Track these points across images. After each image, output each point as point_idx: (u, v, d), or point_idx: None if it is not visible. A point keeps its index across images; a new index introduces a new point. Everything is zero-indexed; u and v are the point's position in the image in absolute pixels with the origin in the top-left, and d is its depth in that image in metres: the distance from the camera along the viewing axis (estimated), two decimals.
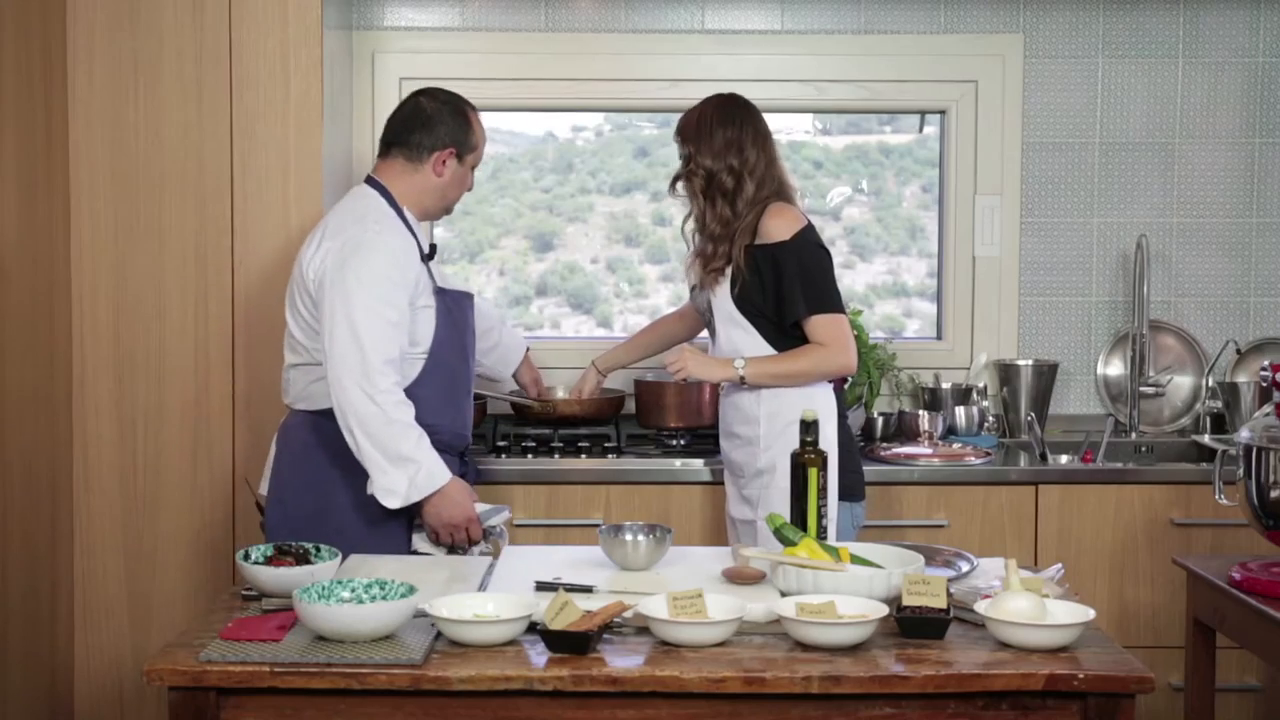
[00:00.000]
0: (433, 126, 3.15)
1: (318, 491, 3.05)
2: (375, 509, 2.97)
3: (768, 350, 3.28)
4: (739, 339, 3.31)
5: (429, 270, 3.12)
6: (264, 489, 3.16)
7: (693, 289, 3.50)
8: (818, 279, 3.25)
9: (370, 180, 3.17)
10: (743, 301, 3.29)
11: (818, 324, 3.24)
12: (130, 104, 3.54)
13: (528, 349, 3.76)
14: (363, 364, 2.93)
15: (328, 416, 3.00)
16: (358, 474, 2.98)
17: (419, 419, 2.98)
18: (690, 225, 3.44)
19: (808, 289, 3.24)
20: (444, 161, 3.15)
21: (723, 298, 3.32)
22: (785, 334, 3.28)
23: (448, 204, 3.25)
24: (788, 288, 3.25)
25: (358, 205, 3.12)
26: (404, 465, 2.93)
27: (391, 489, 2.92)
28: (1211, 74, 4.26)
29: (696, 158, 3.34)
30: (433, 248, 3.19)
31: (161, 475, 3.59)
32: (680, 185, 3.41)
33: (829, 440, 3.24)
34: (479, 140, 3.24)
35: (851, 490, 3.31)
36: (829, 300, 3.26)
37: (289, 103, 3.55)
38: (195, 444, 3.59)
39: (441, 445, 3.04)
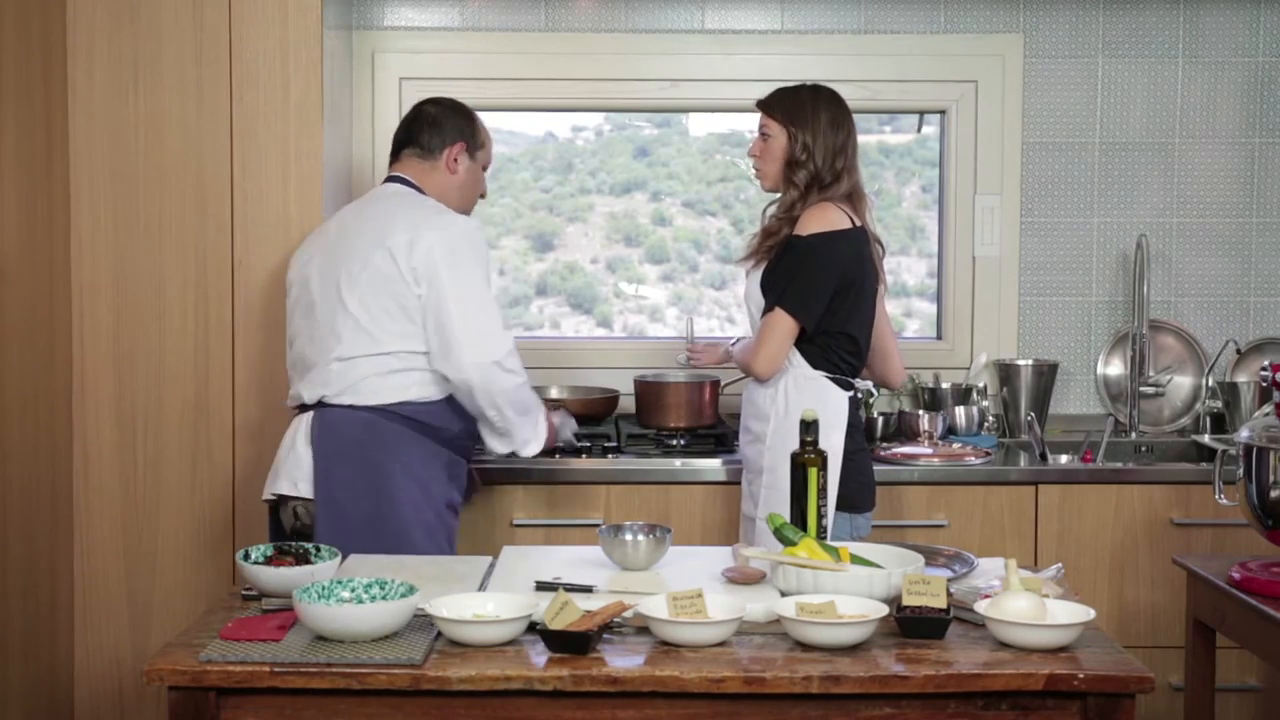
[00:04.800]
0: (439, 126, 3.24)
1: (379, 493, 3.04)
2: (435, 510, 3.08)
3: None
4: (758, 321, 3.35)
5: None
6: (282, 488, 3.11)
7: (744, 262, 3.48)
8: (799, 278, 3.23)
9: (398, 178, 3.25)
10: (764, 287, 3.32)
11: (766, 318, 3.29)
12: (130, 104, 3.54)
13: None
14: (502, 343, 3.08)
15: (383, 414, 3.07)
16: (416, 472, 3.06)
17: (453, 427, 3.14)
18: (773, 209, 3.40)
19: (786, 282, 3.25)
20: (455, 158, 3.24)
21: (754, 278, 3.35)
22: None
23: (467, 206, 3.29)
24: (775, 277, 3.27)
25: (412, 200, 3.19)
26: (532, 413, 3.21)
27: (528, 439, 3.21)
28: (1211, 74, 4.26)
29: (811, 150, 3.32)
30: None
31: (161, 475, 3.59)
32: (754, 165, 3.41)
33: (834, 447, 3.22)
34: (485, 139, 3.32)
35: (853, 501, 3.27)
36: (791, 300, 3.23)
37: (289, 103, 3.55)
38: (195, 444, 3.59)
39: (463, 446, 3.21)
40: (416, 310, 3.06)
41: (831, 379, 3.28)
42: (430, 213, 3.14)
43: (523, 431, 3.19)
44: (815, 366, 3.28)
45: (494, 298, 3.15)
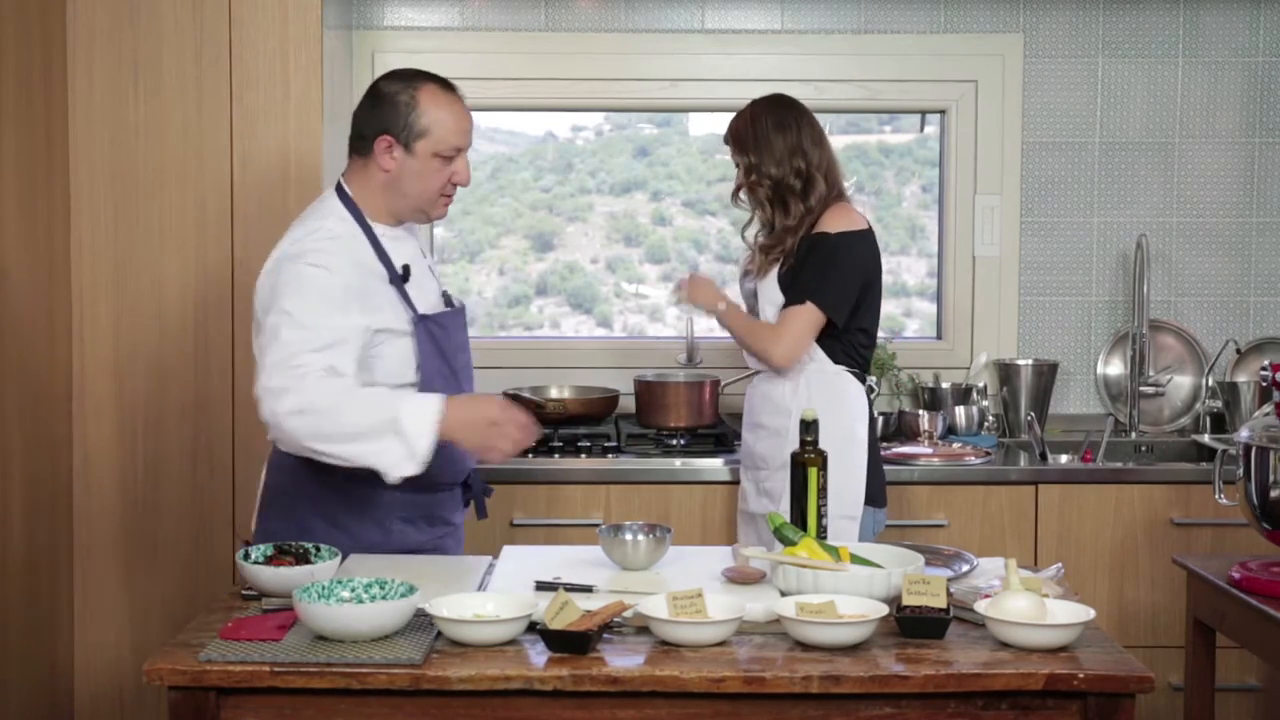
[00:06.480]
0: (370, 112, 2.77)
1: (301, 539, 2.77)
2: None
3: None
4: (773, 316, 3.34)
5: (403, 295, 2.78)
6: (253, 525, 2.95)
7: (742, 276, 3.50)
8: (830, 274, 3.26)
9: (338, 186, 2.84)
10: (784, 285, 3.32)
11: (792, 309, 3.28)
12: (130, 104, 3.54)
13: None
14: (273, 368, 2.59)
15: (308, 462, 2.69)
16: (340, 525, 2.79)
17: None
18: (753, 230, 3.44)
19: (817, 278, 3.26)
20: (386, 152, 2.75)
21: (769, 282, 3.35)
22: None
23: (419, 202, 2.80)
24: (804, 273, 3.27)
25: (305, 225, 2.78)
26: (383, 433, 2.56)
27: (395, 463, 2.57)
28: (1211, 74, 4.26)
29: (760, 168, 3.33)
30: (405, 269, 2.80)
31: (161, 475, 3.59)
32: (743, 195, 3.40)
33: (859, 441, 3.27)
34: (429, 123, 2.74)
35: (873, 495, 3.33)
36: (824, 296, 3.26)
37: (289, 103, 3.55)
38: (195, 444, 3.59)
39: (438, 485, 2.83)
40: None
41: (851, 373, 3.32)
42: (286, 249, 2.74)
43: (380, 459, 2.58)
44: (836, 361, 3.32)
45: (303, 321, 2.62)
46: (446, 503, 2.92)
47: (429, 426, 2.57)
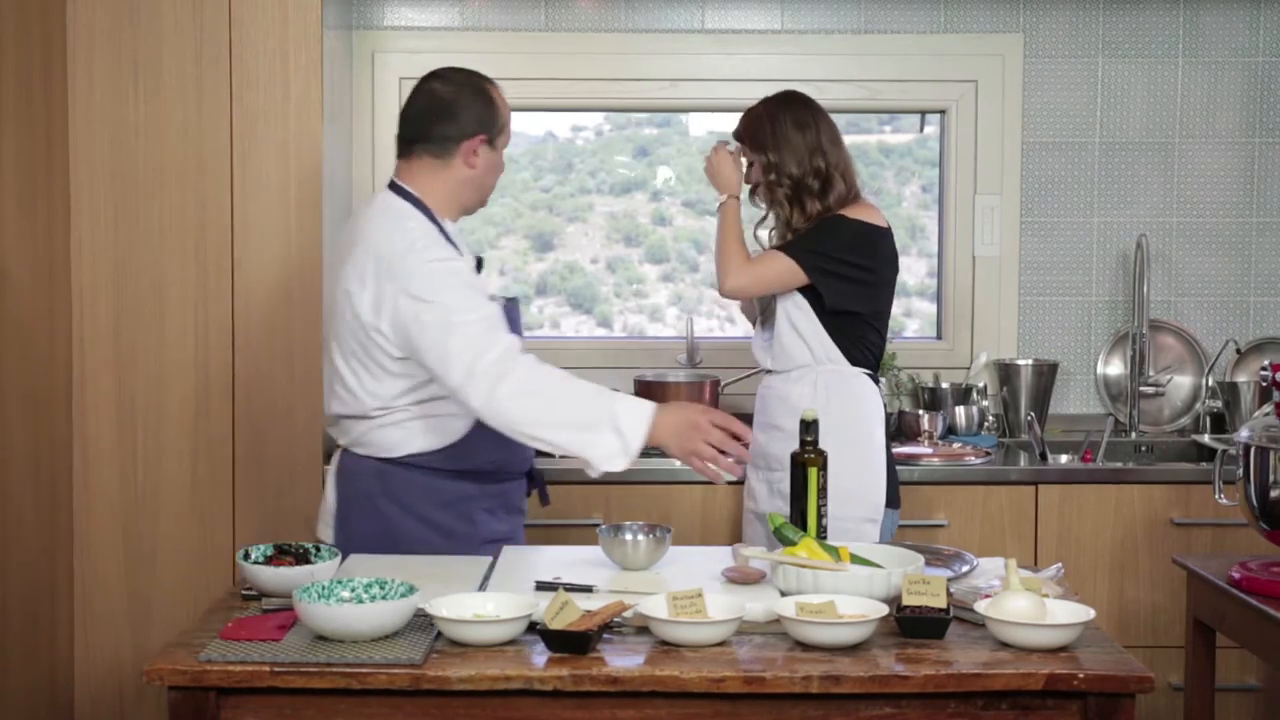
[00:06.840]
0: (455, 114, 2.83)
1: (389, 542, 2.83)
2: (465, 553, 2.79)
3: (818, 326, 3.28)
4: (792, 312, 3.31)
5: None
6: (323, 533, 2.95)
7: None
8: (824, 242, 3.24)
9: (395, 187, 2.86)
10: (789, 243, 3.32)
11: (772, 251, 3.30)
12: (130, 104, 3.54)
13: None
14: (473, 379, 2.65)
15: (393, 463, 2.82)
16: (430, 521, 2.84)
17: (485, 456, 2.81)
18: (767, 230, 3.43)
19: (807, 238, 3.25)
20: (475, 151, 2.84)
21: None
22: (823, 309, 3.27)
23: (485, 193, 2.95)
24: (805, 236, 3.26)
25: (396, 227, 2.78)
26: (601, 426, 2.66)
27: (608, 456, 2.67)
28: (1211, 74, 4.26)
29: (779, 166, 3.30)
30: (479, 261, 2.94)
31: (161, 475, 3.59)
32: (760, 193, 3.38)
33: (877, 444, 3.27)
34: (506, 118, 2.91)
35: (891, 497, 3.32)
36: (802, 251, 3.24)
37: (289, 103, 3.55)
38: (195, 444, 3.59)
39: (510, 473, 2.92)
40: (389, 360, 2.76)
41: (867, 374, 3.32)
42: (397, 252, 2.74)
43: (593, 450, 2.68)
44: (854, 363, 3.31)
45: (467, 306, 2.71)
46: (516, 491, 2.98)
47: (644, 426, 2.68)
